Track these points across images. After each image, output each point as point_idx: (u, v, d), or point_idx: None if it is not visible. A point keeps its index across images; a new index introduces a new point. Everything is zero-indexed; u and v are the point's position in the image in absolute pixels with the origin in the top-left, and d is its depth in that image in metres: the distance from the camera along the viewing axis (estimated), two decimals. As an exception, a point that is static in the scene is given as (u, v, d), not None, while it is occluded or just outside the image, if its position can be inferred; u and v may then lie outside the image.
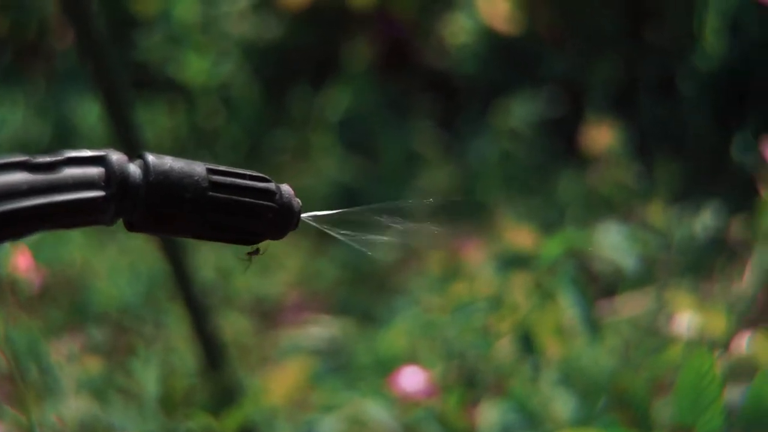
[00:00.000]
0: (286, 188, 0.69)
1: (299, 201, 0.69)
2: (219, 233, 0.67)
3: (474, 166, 2.81)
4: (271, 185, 0.68)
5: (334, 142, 2.92)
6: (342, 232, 0.70)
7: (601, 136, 2.48)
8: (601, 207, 2.40)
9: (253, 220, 0.67)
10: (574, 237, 1.53)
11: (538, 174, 2.71)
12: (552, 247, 1.47)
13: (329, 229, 0.70)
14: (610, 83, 2.85)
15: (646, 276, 1.77)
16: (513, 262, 1.48)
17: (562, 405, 1.41)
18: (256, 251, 0.70)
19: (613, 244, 1.56)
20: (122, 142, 1.38)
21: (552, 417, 1.40)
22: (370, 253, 0.69)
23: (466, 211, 2.47)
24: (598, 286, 1.90)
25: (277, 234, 0.68)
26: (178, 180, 0.65)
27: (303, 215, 0.69)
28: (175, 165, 0.65)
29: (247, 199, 0.66)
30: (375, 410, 1.37)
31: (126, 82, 1.39)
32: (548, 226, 2.14)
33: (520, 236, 1.57)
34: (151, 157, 0.65)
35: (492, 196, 2.65)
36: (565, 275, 1.43)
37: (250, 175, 0.67)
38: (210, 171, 0.66)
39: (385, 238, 0.70)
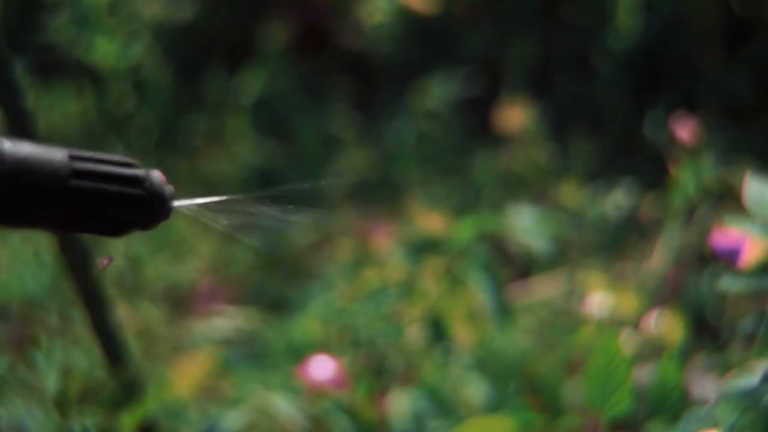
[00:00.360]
0: (156, 174, 0.65)
1: (171, 188, 0.66)
2: (83, 224, 0.63)
3: (391, 148, 2.78)
4: (139, 172, 0.64)
5: (249, 126, 2.87)
6: (218, 220, 0.67)
7: (516, 115, 2.47)
8: (517, 187, 2.39)
9: (120, 210, 0.63)
10: (485, 220, 1.51)
11: (455, 154, 2.69)
12: (462, 231, 1.45)
13: (204, 217, 0.67)
14: (526, 62, 2.84)
15: (559, 257, 1.76)
16: (423, 247, 1.46)
17: (473, 391, 1.39)
18: (110, 260, 0.67)
19: (524, 226, 1.54)
20: (13, 131, 1.32)
21: (464, 403, 1.38)
22: (246, 242, 0.65)
23: (375, 195, 2.44)
24: (514, 268, 1.89)
25: (148, 224, 0.66)
26: (37, 168, 0.61)
27: (176, 203, 0.66)
28: (34, 152, 0.61)
29: (112, 187, 0.63)
30: (281, 403, 1.33)
31: (16, 68, 1.32)
32: (464, 207, 2.12)
33: (431, 220, 1.54)
34: (6, 144, 0.61)
35: (409, 178, 2.62)
36: (476, 259, 1.41)
37: (117, 161, 0.64)
38: (72, 158, 0.62)
39: (263, 225, 0.67)
